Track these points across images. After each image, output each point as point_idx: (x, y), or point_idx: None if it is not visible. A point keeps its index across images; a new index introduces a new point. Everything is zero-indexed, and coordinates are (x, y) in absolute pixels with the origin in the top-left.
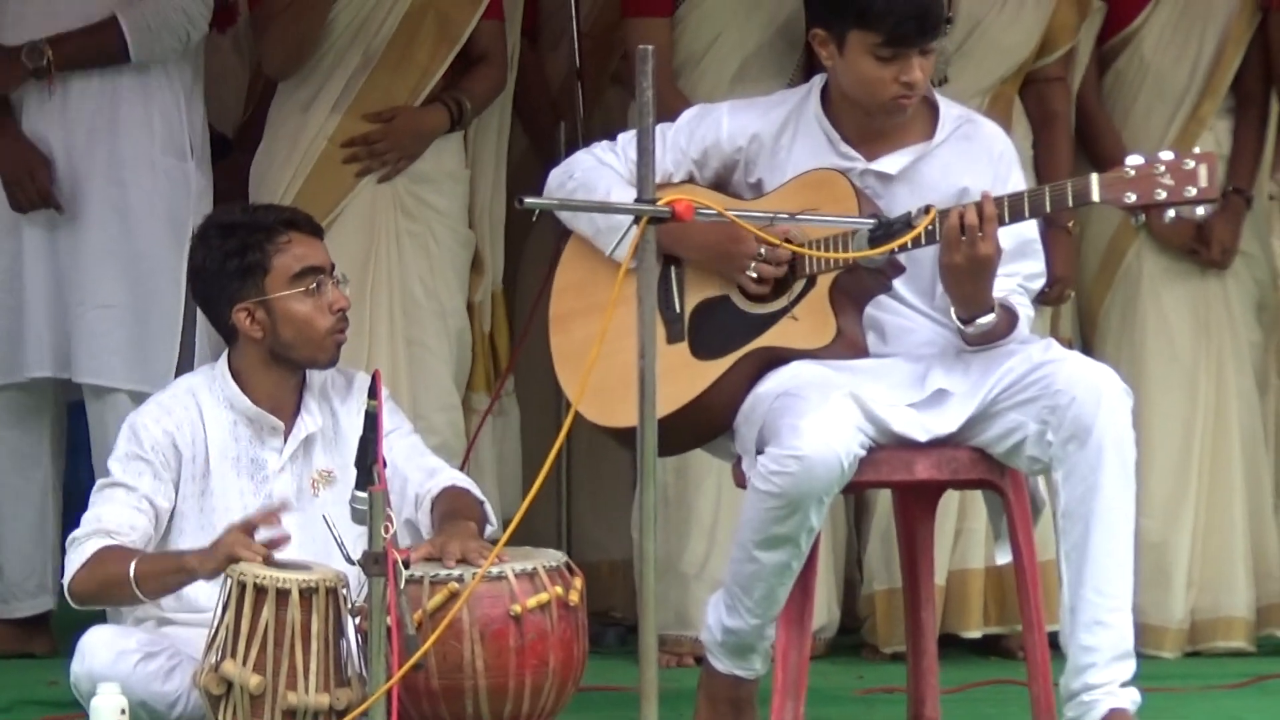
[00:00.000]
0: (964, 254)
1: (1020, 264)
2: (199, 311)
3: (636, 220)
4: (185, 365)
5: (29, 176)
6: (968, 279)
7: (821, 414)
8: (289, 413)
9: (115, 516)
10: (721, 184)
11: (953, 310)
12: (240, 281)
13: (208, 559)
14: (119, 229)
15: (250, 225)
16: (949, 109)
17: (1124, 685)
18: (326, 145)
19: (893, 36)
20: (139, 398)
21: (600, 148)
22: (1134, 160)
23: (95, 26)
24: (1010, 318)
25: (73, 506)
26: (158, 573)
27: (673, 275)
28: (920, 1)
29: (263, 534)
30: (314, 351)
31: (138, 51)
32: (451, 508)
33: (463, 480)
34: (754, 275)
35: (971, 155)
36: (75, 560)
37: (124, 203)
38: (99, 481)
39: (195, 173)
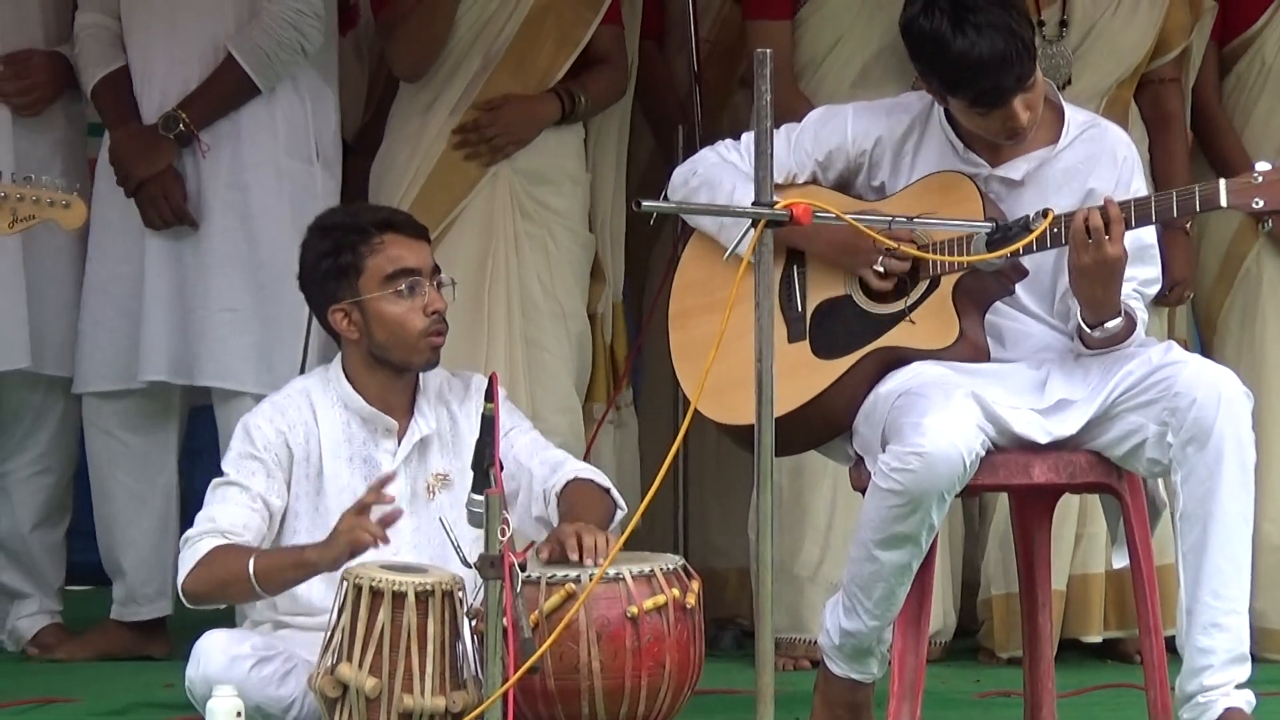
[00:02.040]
0: (1092, 256)
1: (1137, 269)
2: None
3: (754, 223)
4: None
5: (163, 195)
6: (1097, 282)
7: (944, 412)
8: (403, 414)
9: (229, 516)
10: (845, 186)
11: (1079, 313)
12: (335, 282)
13: (327, 549)
14: (242, 233)
15: (346, 226)
16: (1074, 114)
17: (1239, 687)
18: (445, 148)
19: (980, 99)
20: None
21: (724, 146)
22: (1263, 166)
23: (216, 73)
24: (1130, 323)
25: (193, 511)
26: (278, 568)
27: (795, 274)
28: (997, 64)
29: (376, 513)
30: (408, 354)
31: (263, 81)
32: (576, 499)
33: (587, 471)
34: (880, 270)
35: (1095, 160)
36: (189, 559)
37: (246, 207)
38: (213, 481)
39: (322, 175)
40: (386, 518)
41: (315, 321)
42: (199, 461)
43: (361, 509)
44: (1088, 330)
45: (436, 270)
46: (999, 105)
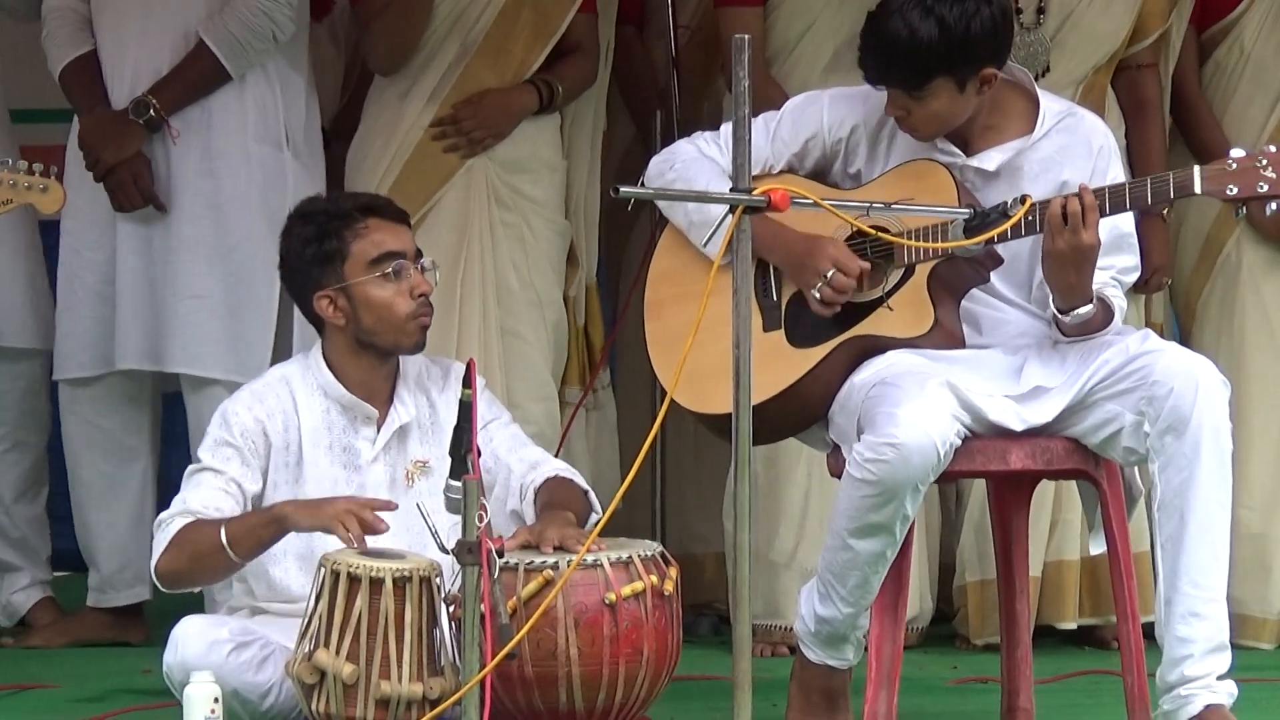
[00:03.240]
0: (1066, 242)
1: (1115, 257)
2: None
3: (732, 210)
4: (282, 356)
5: (131, 178)
6: (1070, 268)
7: (918, 402)
8: (382, 402)
9: (201, 498)
10: (821, 174)
11: (1051, 300)
12: (320, 269)
13: (307, 513)
14: (212, 221)
15: (329, 213)
16: (1050, 104)
17: (1220, 678)
18: (422, 136)
19: (862, 70)
20: (234, 389)
21: (704, 139)
22: (1237, 153)
23: (188, 59)
24: (1106, 311)
25: (169, 498)
26: (250, 528)
27: (770, 263)
28: (878, 46)
29: (368, 516)
30: (397, 337)
31: (234, 67)
32: (553, 498)
33: (566, 470)
34: (817, 295)
35: (1071, 149)
36: (161, 541)
37: (217, 194)
38: (188, 468)
39: (293, 162)
40: (370, 527)
41: (291, 310)
42: (174, 449)
43: (361, 504)
44: (1061, 317)
45: (419, 254)
46: (870, 82)
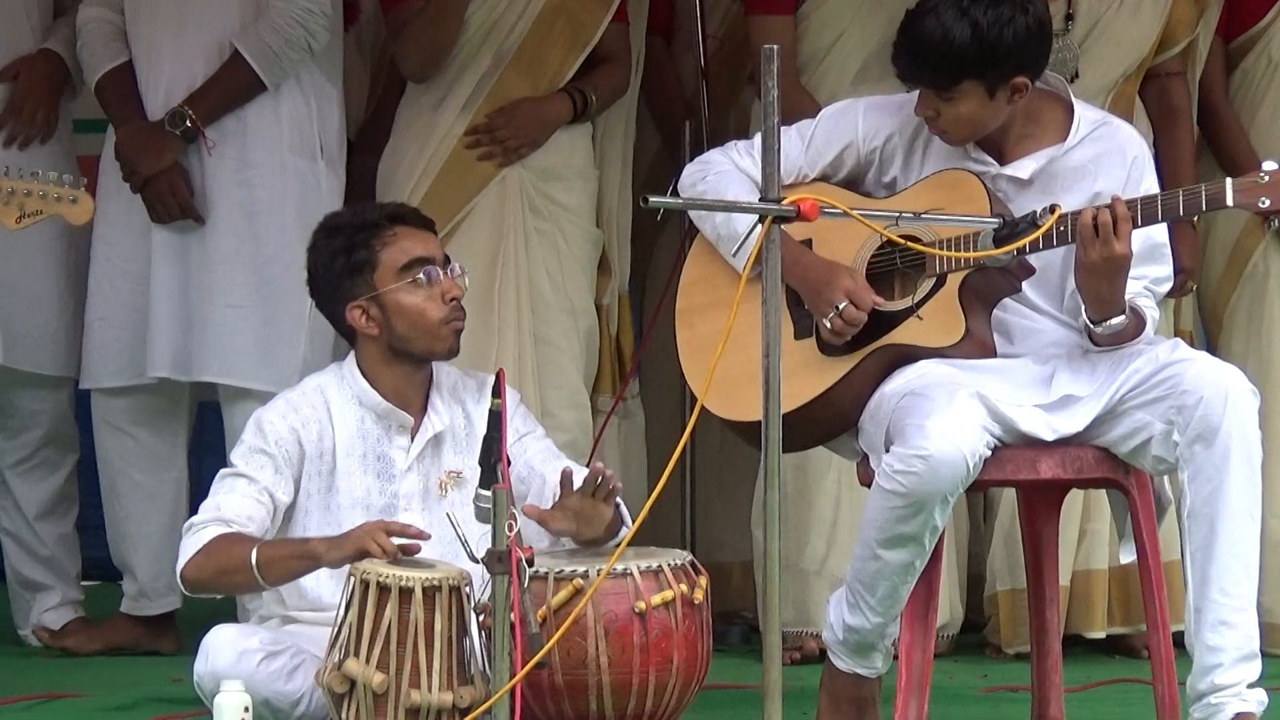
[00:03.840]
0: (1099, 253)
1: (1148, 267)
2: None
3: (761, 220)
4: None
5: (170, 190)
6: (1102, 278)
7: (948, 414)
8: (417, 411)
9: (234, 506)
10: (855, 182)
11: (1084, 310)
12: (350, 280)
13: (336, 548)
14: (248, 231)
15: (355, 224)
16: (1085, 112)
17: (1250, 686)
18: (456, 145)
19: (895, 66)
20: (268, 398)
21: (737, 150)
22: (1269, 166)
23: (223, 69)
24: (1139, 321)
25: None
26: (281, 558)
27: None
28: (911, 44)
29: (398, 540)
30: (431, 342)
31: (269, 77)
32: None
33: None
34: (827, 325)
35: (1105, 158)
36: (190, 546)
37: (252, 205)
38: (221, 472)
39: (326, 172)
40: (406, 547)
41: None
42: (208, 458)
43: (386, 527)
44: (1093, 327)
45: (448, 260)
46: (908, 82)
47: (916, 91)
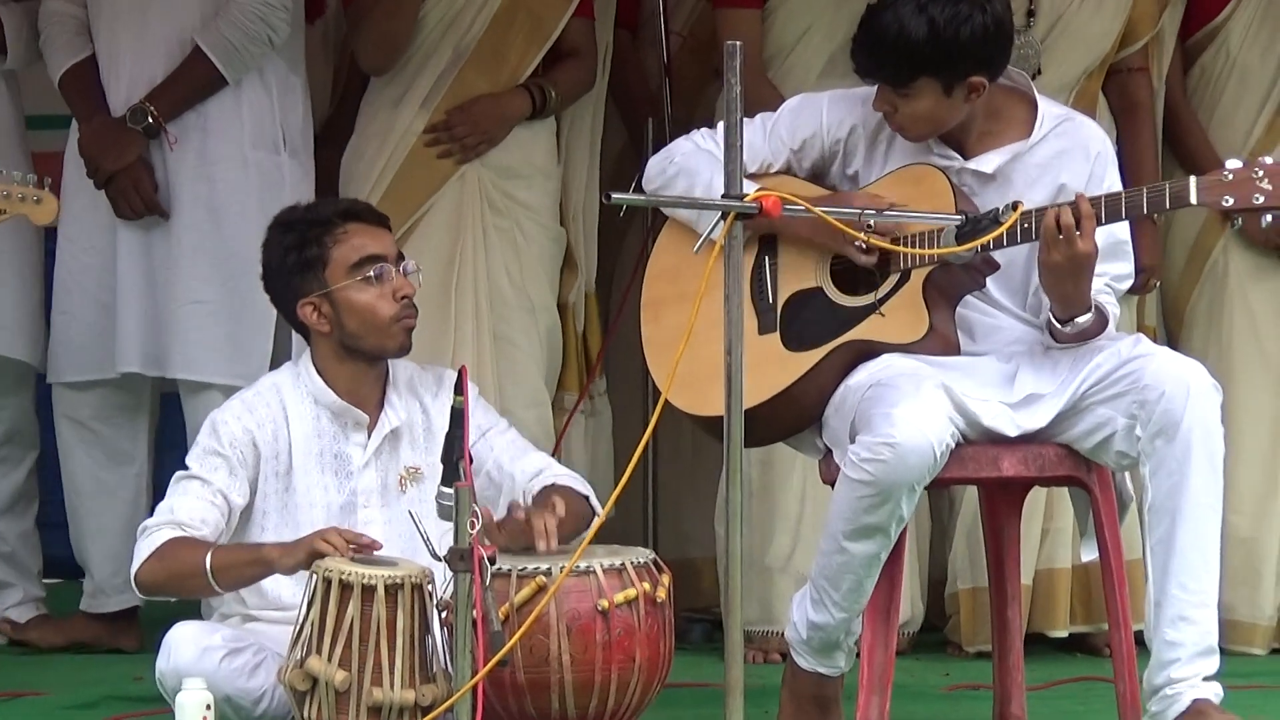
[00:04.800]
0: (1063, 253)
1: (1110, 264)
2: None
3: (724, 216)
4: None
5: (133, 186)
6: (1066, 278)
7: (914, 403)
8: (373, 407)
9: (188, 508)
10: (819, 175)
11: (1048, 309)
12: (301, 276)
13: (289, 554)
14: (211, 226)
15: (308, 220)
16: (1049, 108)
17: (1206, 679)
18: (415, 142)
19: (852, 61)
20: (231, 393)
21: (700, 135)
22: (1233, 164)
23: (185, 65)
24: (1101, 318)
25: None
26: (234, 564)
27: (766, 265)
28: (868, 39)
29: (349, 534)
30: (381, 340)
31: (230, 73)
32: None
33: (568, 475)
34: (862, 246)
35: (1068, 154)
36: (144, 549)
37: (214, 199)
38: (176, 474)
39: (289, 164)
40: (360, 545)
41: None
42: (171, 453)
43: (339, 532)
44: (1058, 326)
45: (400, 256)
46: (863, 76)
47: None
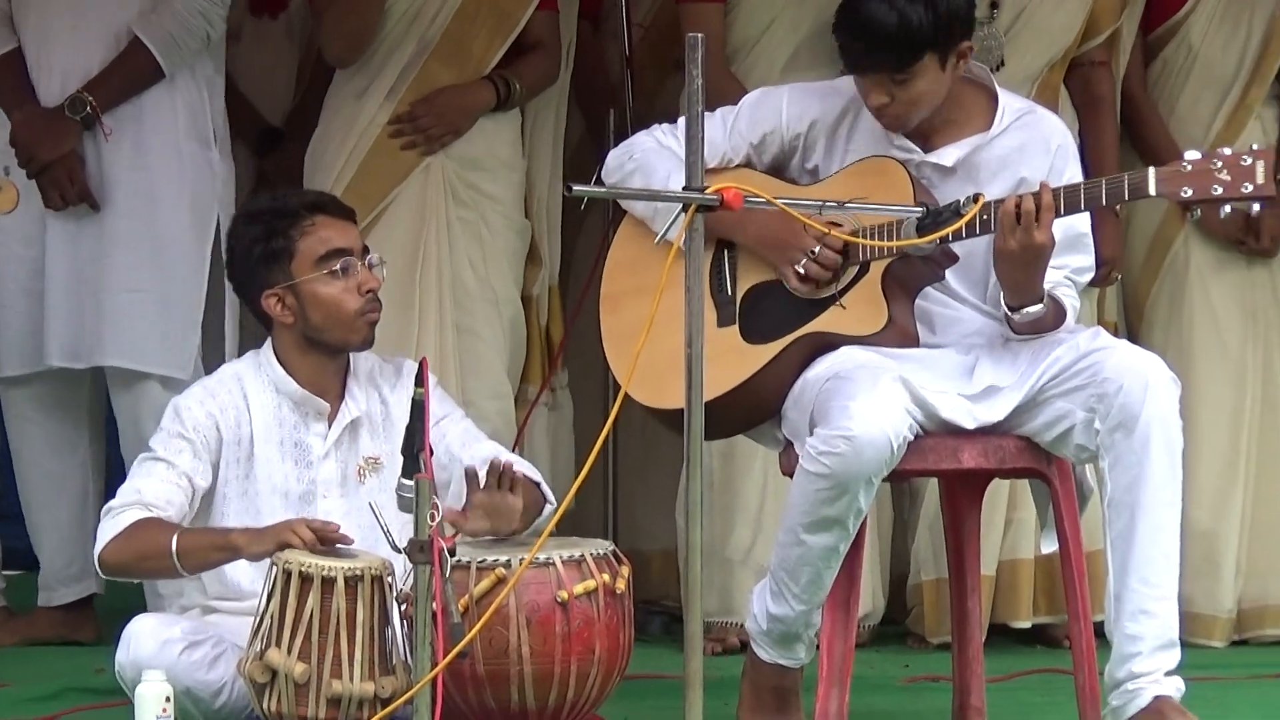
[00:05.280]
0: (1019, 241)
1: (1070, 256)
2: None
3: (685, 208)
4: (214, 353)
5: (67, 176)
6: (1020, 266)
7: (871, 395)
8: (334, 398)
9: (153, 490)
10: (779, 169)
11: (1002, 297)
12: (267, 267)
13: (257, 541)
14: (146, 216)
15: (275, 211)
16: (1009, 101)
17: (1168, 674)
18: (380, 134)
19: (845, 58)
20: (167, 385)
21: (661, 130)
22: (1191, 155)
23: (123, 55)
24: (1059, 310)
25: (113, 493)
26: (201, 547)
27: (725, 258)
28: (864, 31)
29: (316, 524)
30: (345, 334)
31: (169, 65)
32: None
33: (518, 462)
34: (801, 271)
35: (1029, 147)
36: (110, 530)
37: (149, 190)
38: (140, 456)
39: (219, 160)
40: (327, 537)
41: (232, 307)
42: (117, 444)
43: (307, 523)
44: (1011, 315)
45: (366, 250)
46: (859, 72)
47: (841, 78)
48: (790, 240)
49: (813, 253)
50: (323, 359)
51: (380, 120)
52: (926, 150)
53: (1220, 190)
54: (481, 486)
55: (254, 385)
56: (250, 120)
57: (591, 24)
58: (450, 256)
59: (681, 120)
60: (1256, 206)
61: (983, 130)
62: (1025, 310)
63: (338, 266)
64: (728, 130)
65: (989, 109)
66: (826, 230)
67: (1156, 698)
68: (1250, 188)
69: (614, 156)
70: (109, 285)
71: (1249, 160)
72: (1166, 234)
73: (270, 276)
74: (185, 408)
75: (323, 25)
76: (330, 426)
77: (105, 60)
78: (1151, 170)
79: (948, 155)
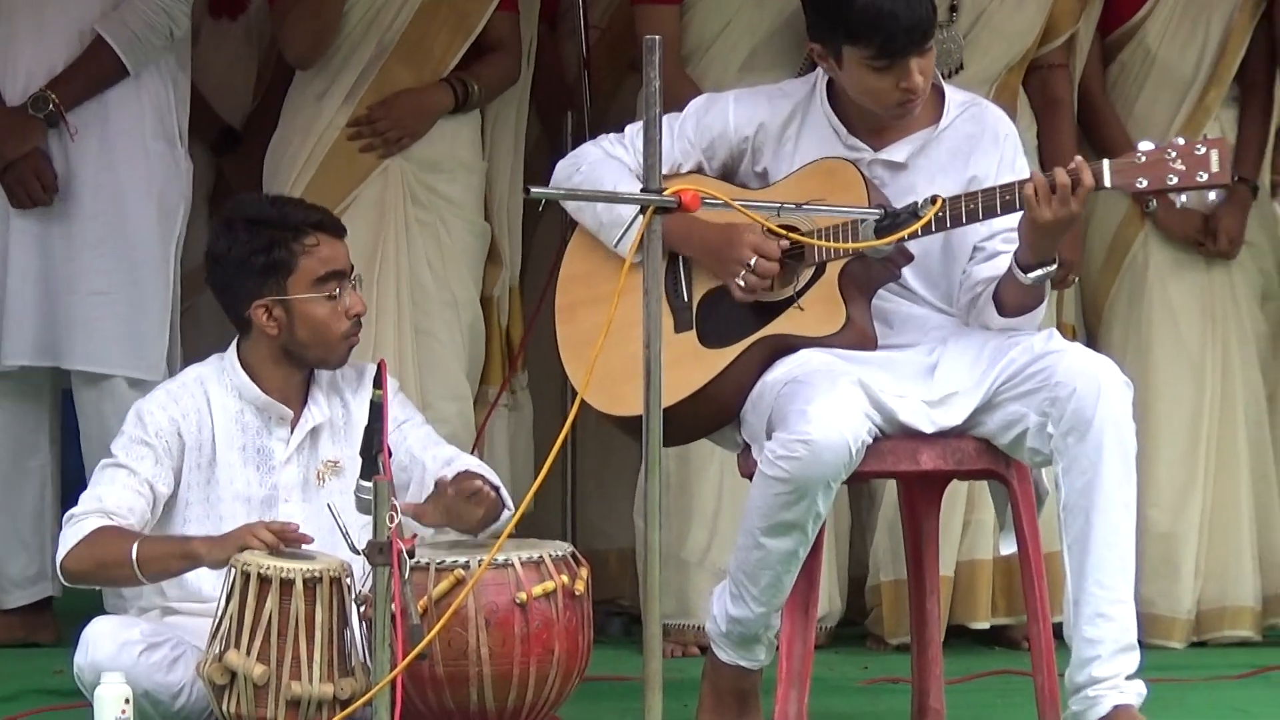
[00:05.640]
0: (1054, 212)
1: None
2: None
3: (643, 210)
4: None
5: (33, 174)
6: (1048, 234)
7: (830, 399)
8: (297, 403)
9: (115, 498)
10: (729, 173)
11: (1014, 258)
12: (261, 278)
13: (218, 548)
14: (113, 215)
15: (279, 222)
16: (954, 94)
17: (1129, 678)
18: (338, 136)
19: (883, 50)
20: (134, 384)
21: (609, 140)
22: (1145, 146)
23: (87, 54)
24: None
25: (71, 495)
26: (161, 555)
27: (680, 264)
28: (904, 12)
29: (276, 527)
30: (326, 353)
31: (133, 63)
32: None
33: (478, 465)
34: (741, 284)
35: (977, 139)
36: (71, 537)
37: (116, 189)
38: (102, 462)
39: (185, 159)
40: (288, 532)
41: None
42: (76, 447)
43: (267, 526)
44: (1023, 275)
45: (351, 268)
46: (900, 57)
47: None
48: (728, 254)
49: (749, 265)
50: (293, 369)
51: (339, 122)
52: (877, 148)
53: (1175, 180)
54: (451, 493)
55: (216, 390)
56: (209, 120)
57: (548, 25)
58: (408, 258)
59: (629, 129)
60: (1212, 195)
61: (931, 125)
62: (1042, 269)
63: (334, 290)
64: (675, 136)
65: (936, 103)
66: (782, 233)
67: (1116, 706)
68: (1205, 176)
69: (562, 167)
70: (73, 288)
71: (1203, 149)
72: (1125, 235)
73: (263, 287)
74: (148, 412)
75: (283, 27)
76: (293, 432)
77: (70, 58)
78: (1106, 162)
79: (899, 151)
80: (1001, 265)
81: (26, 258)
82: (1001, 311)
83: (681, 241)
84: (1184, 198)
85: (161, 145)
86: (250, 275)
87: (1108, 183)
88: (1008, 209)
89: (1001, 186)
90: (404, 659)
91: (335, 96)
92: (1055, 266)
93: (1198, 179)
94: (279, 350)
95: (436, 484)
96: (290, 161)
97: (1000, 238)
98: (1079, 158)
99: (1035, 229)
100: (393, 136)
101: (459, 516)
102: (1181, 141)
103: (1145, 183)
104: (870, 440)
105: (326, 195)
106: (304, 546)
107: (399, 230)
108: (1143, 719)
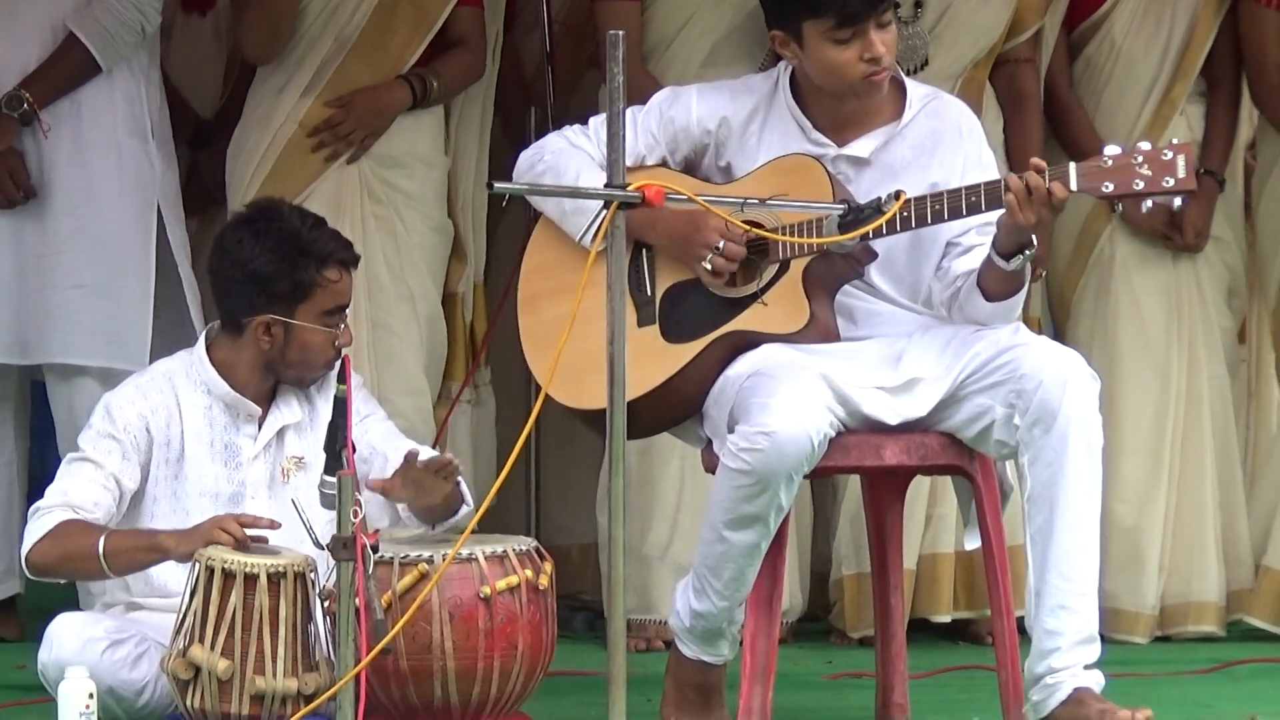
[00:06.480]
0: (1036, 214)
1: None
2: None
3: (607, 205)
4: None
5: (7, 173)
6: (1027, 231)
7: (792, 392)
8: (264, 400)
9: (81, 492)
10: (692, 168)
11: (994, 246)
12: (274, 295)
13: (185, 541)
14: (88, 211)
15: (308, 249)
16: (915, 89)
17: (1088, 667)
18: (296, 130)
19: (843, 17)
20: (112, 376)
21: (572, 130)
22: (1112, 150)
23: (59, 52)
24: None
25: (37, 493)
26: (128, 549)
27: (644, 258)
28: None
29: (250, 531)
30: (304, 373)
31: (105, 60)
32: None
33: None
34: (708, 267)
35: (940, 134)
36: (37, 530)
37: (90, 185)
38: (68, 455)
39: (158, 153)
40: (259, 534)
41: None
42: (47, 442)
43: (235, 519)
44: (1003, 263)
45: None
46: (861, 22)
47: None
48: (695, 237)
49: (717, 248)
50: (267, 376)
51: (296, 116)
52: (841, 144)
53: (1141, 185)
54: (420, 465)
55: (185, 386)
56: (184, 115)
57: (504, 22)
58: (365, 253)
59: (593, 120)
60: (1178, 201)
61: (894, 119)
62: (1021, 254)
63: (336, 324)
64: (638, 130)
65: (898, 99)
66: (746, 228)
67: (1076, 689)
68: (1171, 182)
69: (525, 158)
70: (51, 282)
71: (1170, 155)
72: (1092, 229)
73: (274, 305)
74: (117, 406)
75: (240, 23)
76: (260, 429)
77: (42, 56)
78: (1072, 165)
79: (862, 147)
80: (979, 256)
81: (3, 255)
82: (988, 298)
83: (647, 228)
84: (1150, 203)
85: (133, 140)
86: (264, 291)
87: (1073, 186)
88: (973, 210)
89: (968, 188)
90: (368, 653)
91: (293, 91)
92: (1035, 249)
93: (1164, 184)
94: (262, 362)
95: (406, 456)
96: (249, 155)
97: (975, 230)
98: (1038, 160)
99: (1015, 228)
100: (355, 138)
101: (427, 491)
102: (1148, 146)
103: (1111, 187)
104: (833, 434)
105: (283, 189)
106: (269, 542)
107: (355, 225)
108: (1103, 699)
